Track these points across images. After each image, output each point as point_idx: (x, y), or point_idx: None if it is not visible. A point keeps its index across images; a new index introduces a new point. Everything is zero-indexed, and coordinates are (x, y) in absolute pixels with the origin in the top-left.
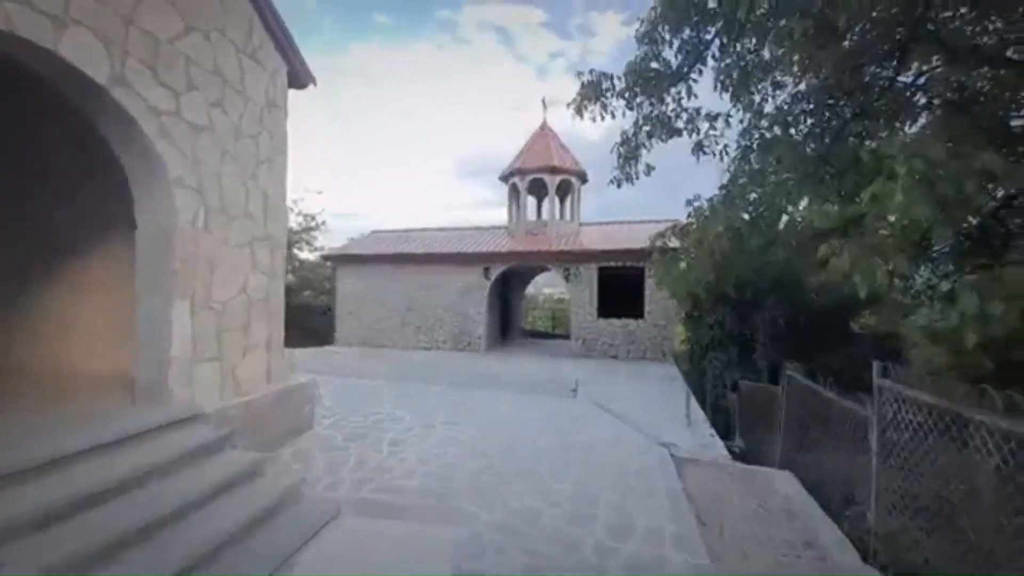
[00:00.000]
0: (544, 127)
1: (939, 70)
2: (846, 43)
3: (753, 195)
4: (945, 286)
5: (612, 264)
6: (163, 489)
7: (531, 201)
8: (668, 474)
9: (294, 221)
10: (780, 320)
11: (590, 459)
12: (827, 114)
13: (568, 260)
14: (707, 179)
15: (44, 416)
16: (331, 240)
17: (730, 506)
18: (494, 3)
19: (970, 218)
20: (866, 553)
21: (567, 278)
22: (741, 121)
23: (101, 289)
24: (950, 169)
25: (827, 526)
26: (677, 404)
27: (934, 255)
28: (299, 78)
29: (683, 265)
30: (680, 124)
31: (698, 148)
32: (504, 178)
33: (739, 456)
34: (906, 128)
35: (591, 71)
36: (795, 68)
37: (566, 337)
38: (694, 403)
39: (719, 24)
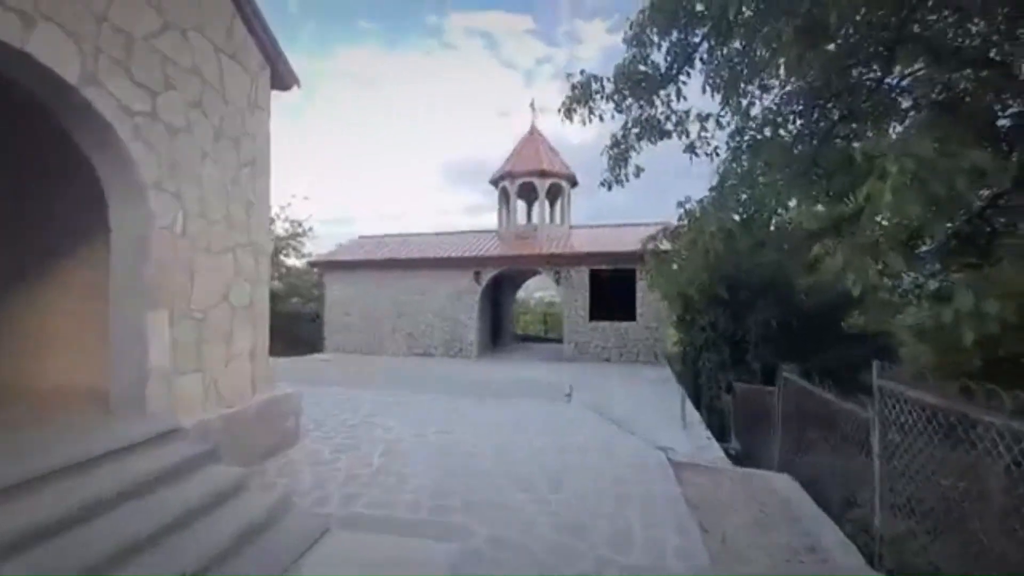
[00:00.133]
0: (533, 131)
1: (921, 72)
2: (834, 45)
3: (744, 195)
4: (932, 285)
5: (603, 267)
6: (138, 511)
7: (521, 205)
8: (667, 480)
9: (281, 227)
10: (773, 321)
11: (586, 466)
12: (816, 115)
13: (559, 263)
14: (695, 182)
15: (10, 433)
16: (322, 246)
17: (731, 512)
18: (480, 9)
19: (956, 217)
20: (870, 557)
21: (558, 281)
22: (729, 123)
23: (79, 298)
24: (940, 167)
25: (829, 529)
26: (671, 407)
27: (921, 254)
28: (282, 79)
29: (675, 267)
30: (670, 126)
31: (690, 149)
32: (494, 182)
33: (735, 458)
34: (892, 129)
35: (581, 71)
36: (783, 70)
37: (558, 341)
38: (689, 406)
39: (707, 26)
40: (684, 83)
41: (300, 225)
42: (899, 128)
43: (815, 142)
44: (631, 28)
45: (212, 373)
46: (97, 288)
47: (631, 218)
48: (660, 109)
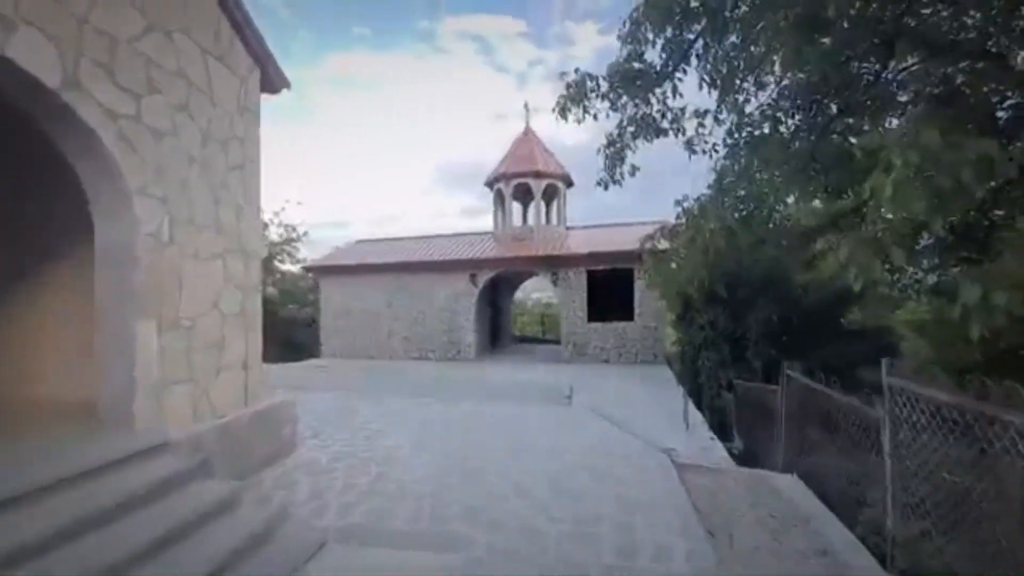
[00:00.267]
0: (528, 132)
1: (916, 67)
2: (831, 39)
3: (742, 192)
4: (931, 280)
5: (601, 267)
6: (121, 531)
7: (516, 207)
8: (671, 482)
9: (275, 233)
10: (774, 317)
11: (589, 470)
12: (813, 110)
13: (556, 264)
14: (691, 183)
15: None
16: (318, 251)
17: (738, 515)
18: (472, 13)
19: (956, 211)
20: (882, 558)
21: (555, 283)
22: (725, 120)
23: (75, 303)
24: (945, 159)
25: (839, 531)
26: (673, 407)
27: (919, 249)
28: (273, 82)
29: (673, 265)
30: (665, 124)
31: (688, 146)
32: (489, 184)
33: (738, 457)
34: (889, 124)
35: (576, 70)
36: (780, 65)
37: (556, 342)
38: (691, 405)
39: (702, 22)
40: (680, 80)
41: (294, 230)
42: (896, 123)
43: (813, 138)
44: (626, 25)
45: (203, 383)
46: (91, 294)
47: (627, 219)
48: (656, 107)
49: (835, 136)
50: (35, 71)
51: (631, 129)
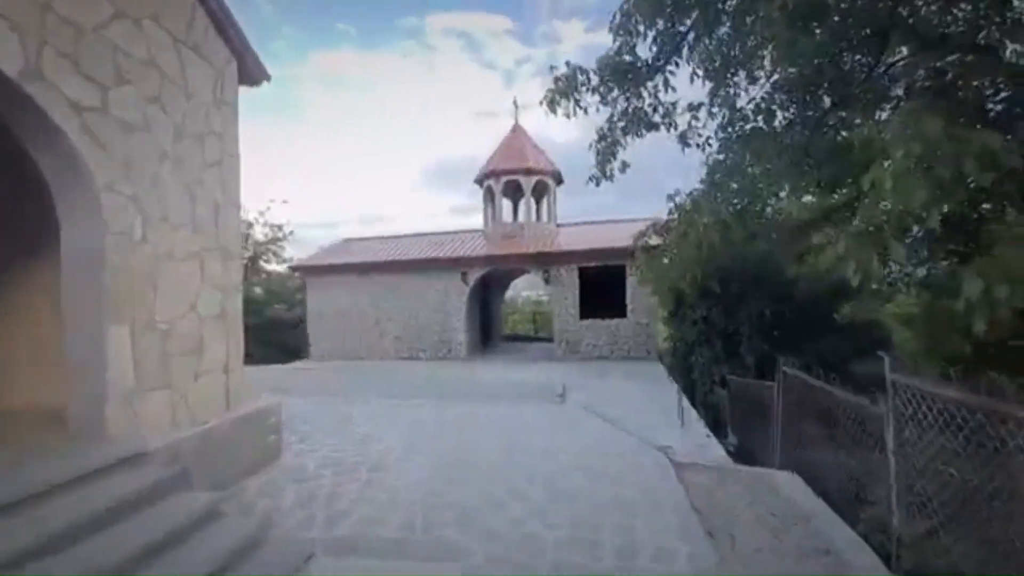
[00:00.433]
0: (517, 128)
1: (906, 60)
2: (825, 30)
3: (735, 185)
4: (921, 273)
5: (592, 264)
6: (94, 549)
7: (507, 204)
8: (669, 482)
9: (260, 232)
10: (766, 312)
11: (585, 471)
12: (807, 102)
13: (547, 262)
14: (680, 181)
15: None
16: (305, 251)
17: (737, 514)
18: (458, 10)
19: (951, 203)
20: (886, 557)
21: (547, 280)
22: (716, 115)
23: (41, 310)
24: (946, 150)
25: (840, 529)
26: (667, 404)
27: (908, 242)
28: (251, 74)
29: (665, 261)
30: (657, 118)
31: (682, 139)
32: (479, 180)
33: (732, 453)
34: (881, 118)
35: (567, 63)
36: (772, 58)
37: (548, 340)
38: (686, 402)
39: (694, 15)
40: (672, 73)
41: (280, 229)
42: (886, 117)
43: (806, 132)
44: (616, 17)
45: (181, 389)
46: (56, 302)
47: (617, 217)
48: (647, 100)
49: (828, 130)
50: None
51: (622, 124)
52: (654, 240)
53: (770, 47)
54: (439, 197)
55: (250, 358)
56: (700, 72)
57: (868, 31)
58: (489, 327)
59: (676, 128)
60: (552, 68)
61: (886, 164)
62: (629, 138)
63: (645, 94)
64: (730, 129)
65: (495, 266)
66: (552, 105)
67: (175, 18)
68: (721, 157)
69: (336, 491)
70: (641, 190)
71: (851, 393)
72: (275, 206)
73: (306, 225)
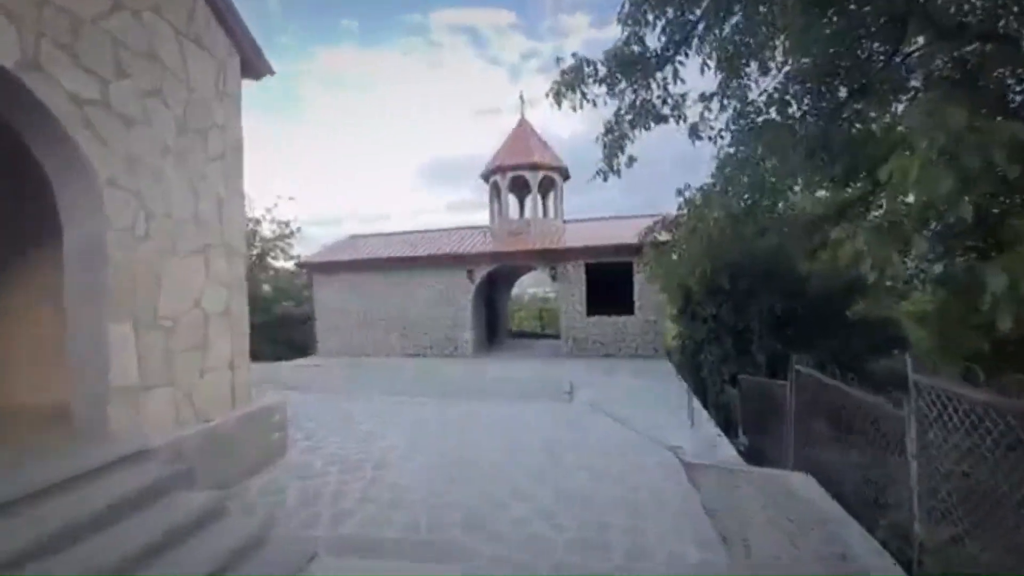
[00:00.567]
0: (523, 123)
1: (923, 50)
2: (841, 18)
3: (746, 179)
4: (937, 269)
5: (600, 261)
6: (94, 548)
7: (512, 201)
8: (680, 483)
9: (268, 229)
10: (777, 307)
11: (593, 472)
12: (823, 90)
13: (554, 258)
14: (687, 178)
15: None
16: (309, 248)
17: (751, 517)
18: (463, 5)
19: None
20: (907, 564)
21: (554, 277)
22: (727, 106)
23: (43, 308)
24: (971, 140)
25: (858, 534)
26: (677, 402)
27: (926, 235)
28: (255, 67)
29: (674, 257)
30: (666, 110)
31: (692, 132)
32: (485, 176)
33: (744, 454)
34: (897, 110)
35: (574, 54)
36: (786, 46)
37: (555, 337)
38: (696, 402)
39: (705, 3)
40: (682, 63)
41: (287, 226)
42: (904, 108)
43: (821, 123)
44: (625, 6)
45: (185, 386)
46: (59, 299)
47: (624, 213)
48: (656, 92)
49: (843, 122)
50: None
51: (629, 117)
52: (663, 236)
53: (783, 36)
54: (437, 195)
55: (259, 355)
56: (711, 63)
57: (885, 19)
58: (495, 324)
59: (686, 120)
60: (559, 60)
61: (909, 153)
62: (637, 131)
63: (654, 85)
64: (742, 121)
65: (501, 263)
66: (558, 97)
67: (176, 9)
68: (732, 150)
69: (340, 490)
70: (647, 189)
71: (868, 392)
72: (282, 203)
73: (307, 223)
